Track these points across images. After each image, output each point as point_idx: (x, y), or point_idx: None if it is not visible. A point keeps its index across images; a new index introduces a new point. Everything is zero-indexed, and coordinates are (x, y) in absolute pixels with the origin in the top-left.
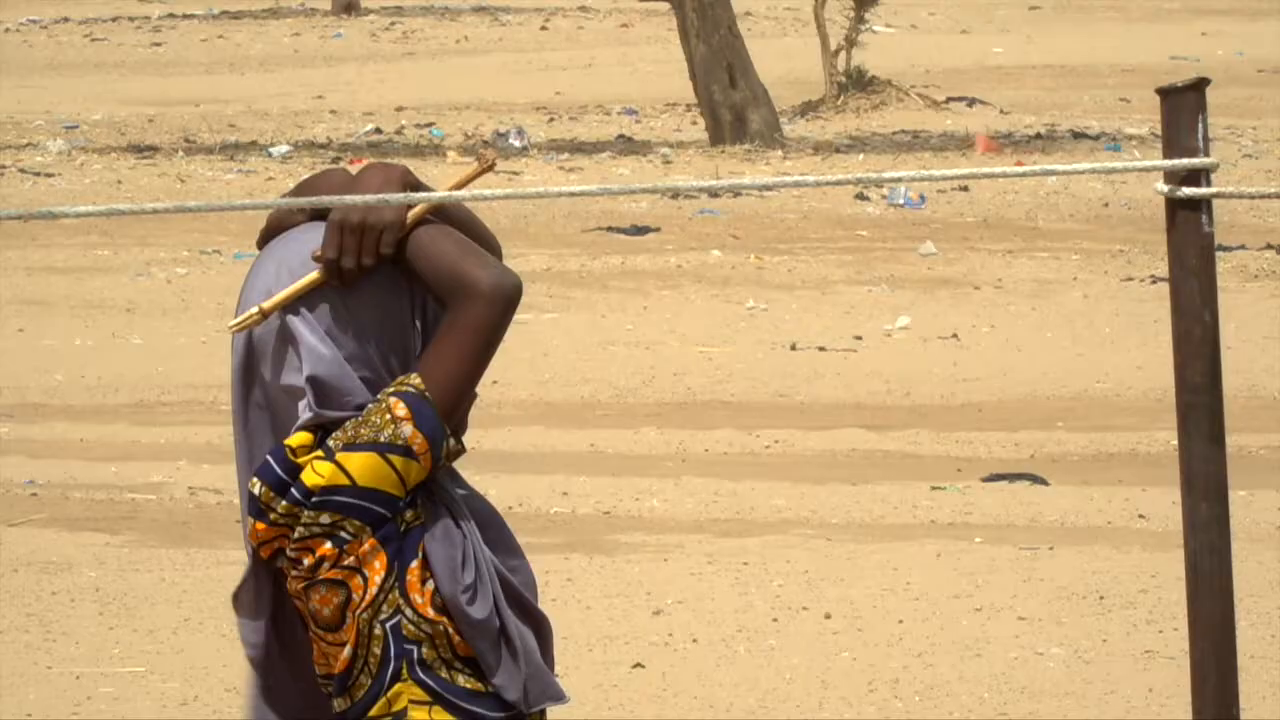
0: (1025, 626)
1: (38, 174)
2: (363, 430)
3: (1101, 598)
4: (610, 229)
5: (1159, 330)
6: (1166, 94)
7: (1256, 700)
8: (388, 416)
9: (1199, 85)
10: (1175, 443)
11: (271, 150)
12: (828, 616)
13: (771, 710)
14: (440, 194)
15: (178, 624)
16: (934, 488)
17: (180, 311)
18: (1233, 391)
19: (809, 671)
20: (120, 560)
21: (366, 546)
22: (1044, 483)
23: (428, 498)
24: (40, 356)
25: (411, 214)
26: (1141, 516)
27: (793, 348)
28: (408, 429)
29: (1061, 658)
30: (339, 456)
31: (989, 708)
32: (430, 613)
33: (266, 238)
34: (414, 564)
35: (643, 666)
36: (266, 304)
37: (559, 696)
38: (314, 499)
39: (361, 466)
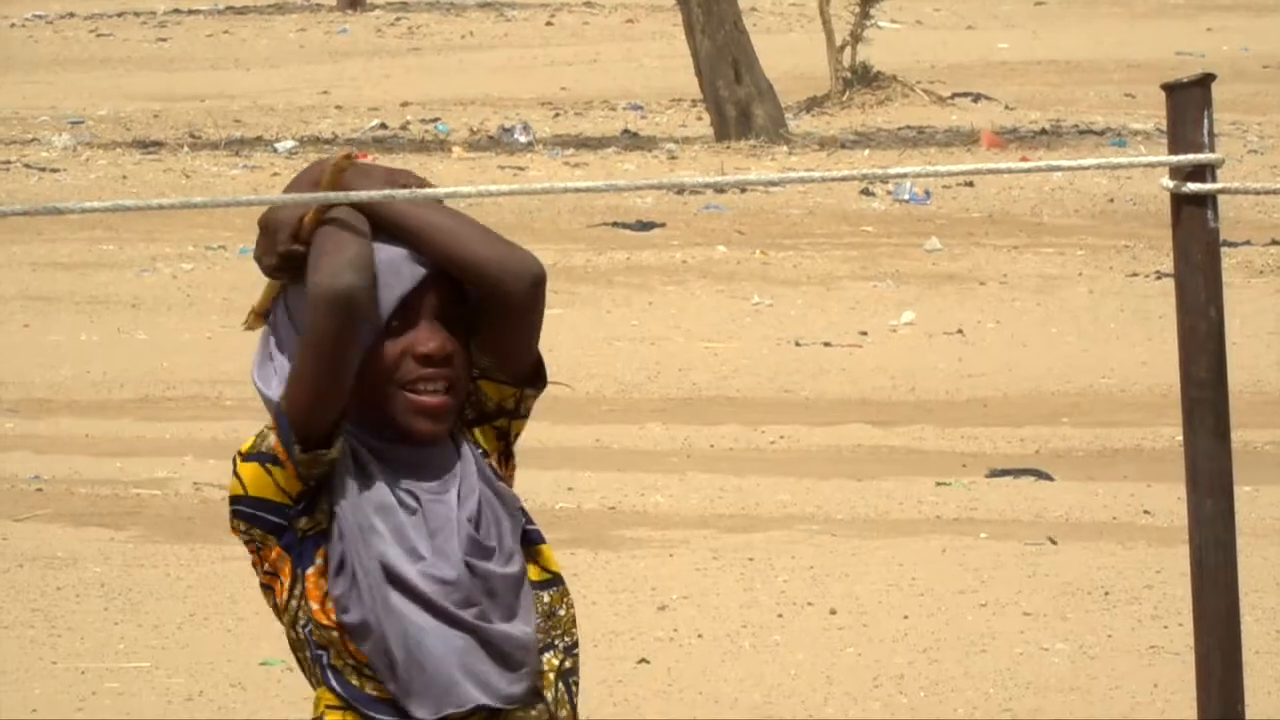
0: (1030, 622)
1: (43, 169)
2: (258, 439)
3: (1106, 593)
4: (615, 224)
5: (1164, 326)
6: (1172, 90)
7: (1261, 696)
8: (269, 425)
9: (1204, 81)
10: (1180, 438)
11: (277, 146)
12: (833, 612)
13: (776, 706)
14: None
15: (183, 619)
16: (939, 483)
17: (185, 307)
18: (1238, 387)
19: (814, 667)
20: (125, 555)
21: (275, 554)
22: (1049, 478)
23: (330, 504)
24: (45, 352)
25: (309, 214)
26: (1146, 512)
27: (797, 344)
28: (273, 438)
29: (1066, 653)
30: (238, 466)
31: (994, 704)
32: (325, 619)
33: None
34: (310, 571)
35: (647, 662)
36: (256, 305)
37: (459, 703)
38: (231, 507)
39: (250, 476)
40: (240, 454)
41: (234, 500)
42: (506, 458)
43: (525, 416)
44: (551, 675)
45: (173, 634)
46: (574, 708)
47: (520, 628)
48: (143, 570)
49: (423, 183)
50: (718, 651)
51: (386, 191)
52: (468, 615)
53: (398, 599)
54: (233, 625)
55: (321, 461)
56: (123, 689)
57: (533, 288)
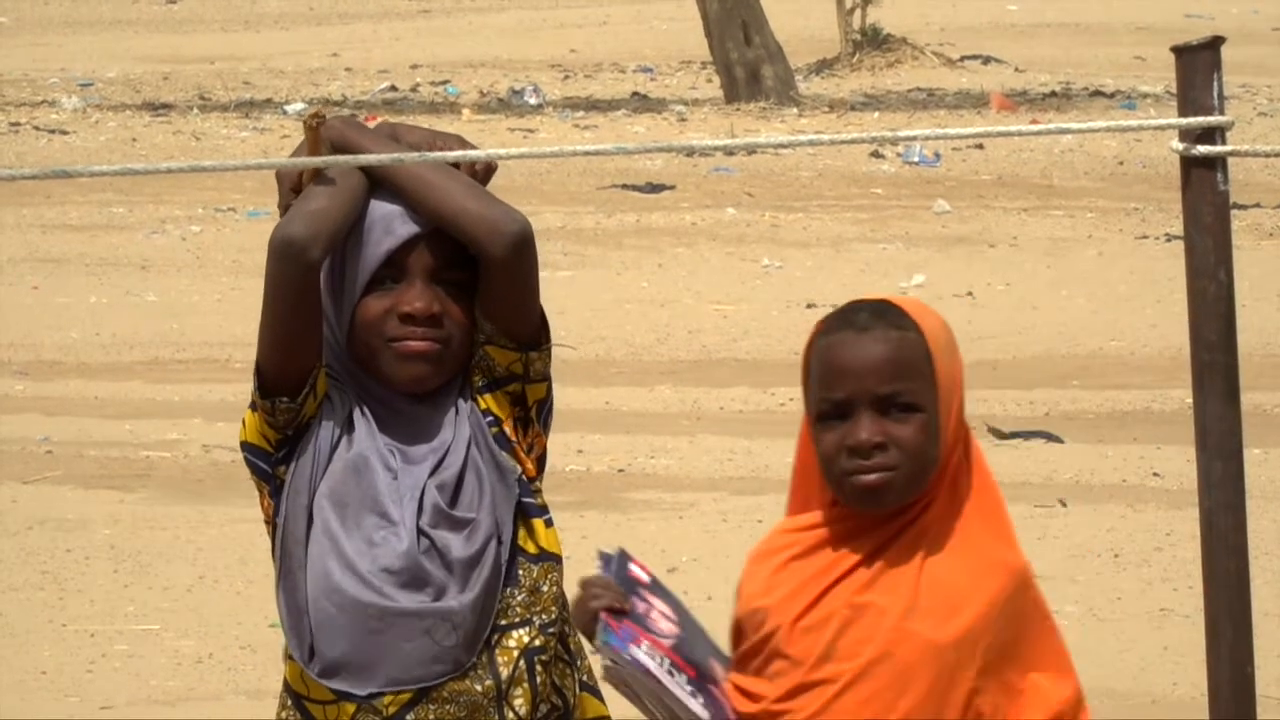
0: (1040, 584)
1: (53, 131)
2: None
3: (1116, 556)
4: (625, 186)
5: (1174, 288)
6: (1182, 52)
7: (1271, 657)
8: None
9: (1214, 43)
10: (1190, 401)
11: (286, 108)
12: None
13: None
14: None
15: (192, 582)
16: None
17: (195, 269)
18: (1247, 350)
19: None
20: (135, 518)
21: (266, 502)
22: (1059, 441)
23: (301, 456)
24: (55, 314)
25: (309, 169)
26: (1156, 474)
27: (808, 306)
28: (254, 383)
29: (1076, 616)
30: (247, 412)
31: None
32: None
33: None
34: (279, 521)
35: None
36: None
37: (360, 686)
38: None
39: (248, 421)
40: None
41: (240, 445)
42: (525, 425)
43: (540, 381)
44: (515, 651)
45: (182, 596)
46: (535, 686)
47: (459, 599)
48: (152, 533)
49: (466, 146)
50: (727, 614)
51: (394, 155)
52: (410, 598)
53: (321, 552)
54: (242, 588)
55: (281, 409)
56: (132, 651)
57: (516, 244)
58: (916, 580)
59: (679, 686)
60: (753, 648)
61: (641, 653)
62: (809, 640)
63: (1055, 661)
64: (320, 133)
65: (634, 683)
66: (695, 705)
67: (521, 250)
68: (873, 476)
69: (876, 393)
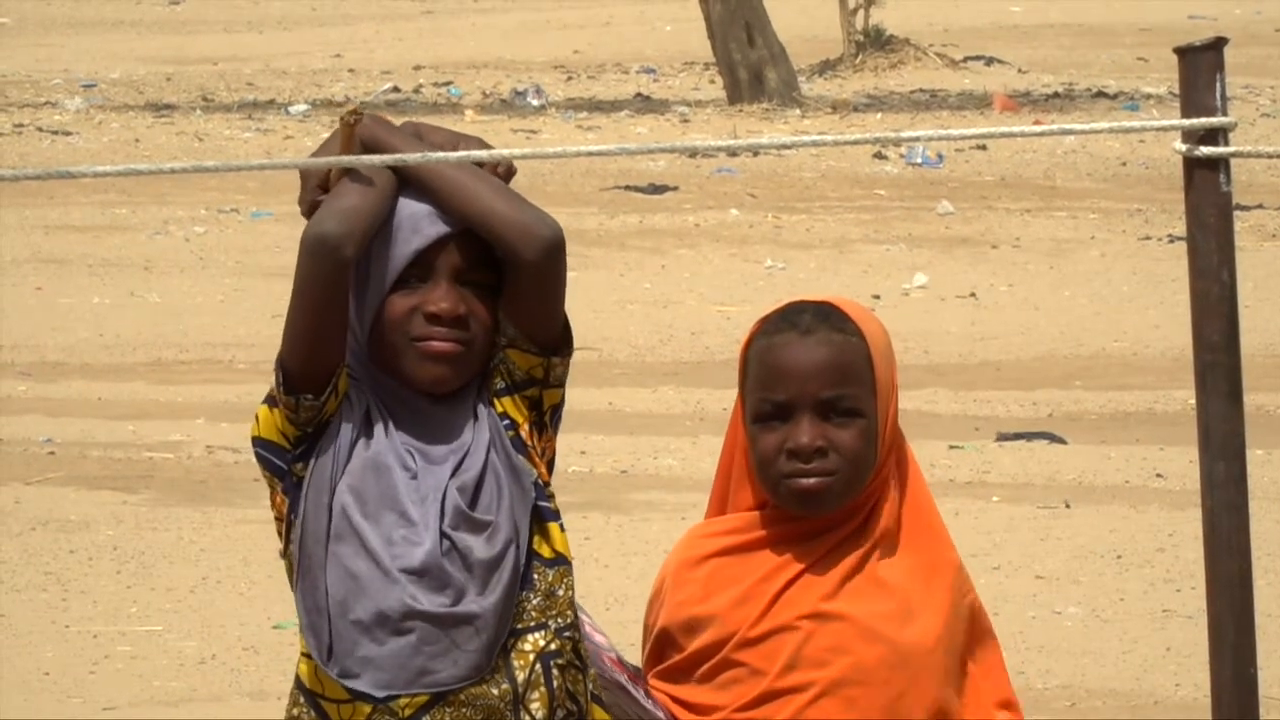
0: (1043, 585)
1: (56, 132)
2: None
3: (1119, 556)
4: (628, 188)
5: (1176, 289)
6: (1184, 53)
7: (1274, 659)
8: None
9: (1217, 44)
10: (1193, 402)
11: (289, 109)
12: None
13: None
14: (407, 155)
15: (195, 583)
16: (952, 446)
17: (198, 270)
18: (1250, 350)
19: None
20: (138, 519)
21: (279, 499)
22: (1062, 442)
23: (321, 454)
24: (58, 315)
25: (332, 175)
26: (1159, 475)
27: None
28: (276, 378)
29: (1079, 616)
30: (260, 407)
31: (1006, 666)
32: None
33: None
34: (295, 519)
35: None
36: None
37: (375, 685)
38: (253, 448)
39: (263, 416)
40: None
41: (252, 440)
42: (539, 429)
43: (558, 385)
44: (531, 655)
45: (185, 597)
46: (552, 690)
47: (480, 602)
48: (155, 533)
49: (485, 147)
50: None
51: (397, 156)
52: (432, 600)
53: (342, 552)
54: (245, 589)
55: (305, 407)
56: (135, 652)
57: (549, 249)
58: (874, 586)
59: (642, 698)
60: (694, 657)
61: (608, 667)
62: (770, 648)
63: (992, 663)
64: (356, 130)
65: (608, 699)
66: (661, 715)
67: (553, 255)
68: (812, 481)
69: (819, 397)
